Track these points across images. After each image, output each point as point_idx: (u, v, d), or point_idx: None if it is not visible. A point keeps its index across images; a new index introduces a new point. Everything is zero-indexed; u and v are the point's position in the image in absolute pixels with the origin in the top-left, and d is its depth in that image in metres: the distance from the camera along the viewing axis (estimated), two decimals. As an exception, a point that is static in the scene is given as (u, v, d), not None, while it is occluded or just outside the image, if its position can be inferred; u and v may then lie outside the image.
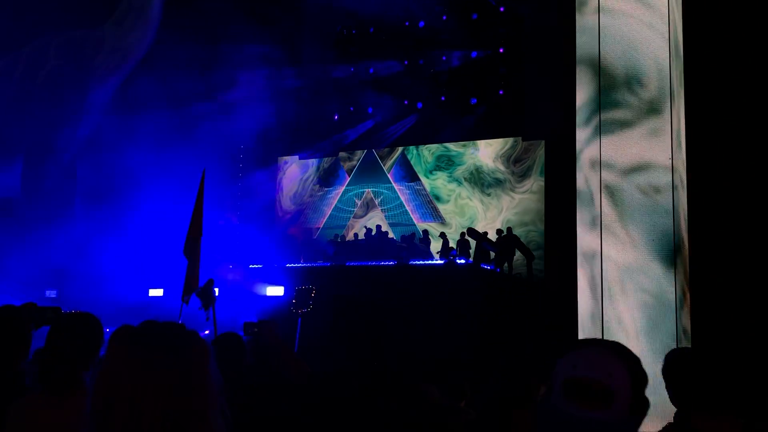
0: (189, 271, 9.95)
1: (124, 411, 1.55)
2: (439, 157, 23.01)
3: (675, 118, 4.31)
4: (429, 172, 23.06)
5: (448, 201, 22.61)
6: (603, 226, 4.34)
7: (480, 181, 22.20)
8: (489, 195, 22.00)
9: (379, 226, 21.20)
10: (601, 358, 1.69)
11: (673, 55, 4.48)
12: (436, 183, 22.86)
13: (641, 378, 1.70)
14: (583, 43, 4.85)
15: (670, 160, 4.14)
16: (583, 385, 1.66)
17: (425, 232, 20.82)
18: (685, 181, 4.46)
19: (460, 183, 22.49)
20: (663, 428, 2.61)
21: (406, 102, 23.19)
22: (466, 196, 22.35)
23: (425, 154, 23.26)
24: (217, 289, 15.80)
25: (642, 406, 1.68)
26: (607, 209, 4.42)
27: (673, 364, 2.72)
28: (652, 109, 4.37)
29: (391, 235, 21.03)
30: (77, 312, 2.91)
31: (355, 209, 24.05)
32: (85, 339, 2.73)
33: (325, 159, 24.61)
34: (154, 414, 1.55)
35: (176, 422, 1.56)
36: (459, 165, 22.61)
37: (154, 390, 1.56)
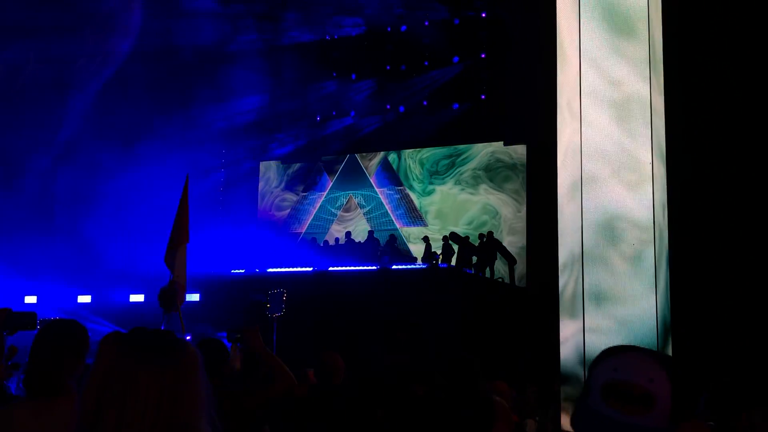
0: (176, 278, 9.84)
1: (114, 418, 1.53)
2: (436, 163, 23.03)
3: (656, 119, 4.35)
4: (424, 191, 22.99)
5: (450, 209, 22.48)
6: (584, 228, 4.37)
7: (495, 173, 22.08)
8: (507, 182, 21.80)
9: (371, 232, 21.20)
10: (643, 363, 1.68)
11: (653, 61, 4.52)
12: (436, 191, 22.80)
13: (683, 386, 1.69)
14: (565, 47, 4.88)
15: (651, 164, 4.17)
16: (623, 388, 1.64)
17: (392, 236, 20.79)
18: (665, 183, 4.50)
19: (469, 185, 22.35)
20: None
21: (388, 106, 23.21)
22: (477, 194, 22.21)
23: (410, 164, 23.29)
24: (197, 295, 15.74)
25: (682, 415, 1.67)
26: (589, 209, 4.44)
27: None
28: (632, 110, 4.41)
29: (374, 240, 21.01)
30: (61, 319, 2.89)
31: (338, 214, 24.03)
32: (69, 344, 2.71)
33: (308, 164, 24.57)
34: (144, 421, 1.54)
35: (166, 430, 1.55)
36: (461, 165, 22.55)
37: (144, 397, 1.55)
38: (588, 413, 1.68)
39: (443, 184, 22.74)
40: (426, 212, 22.80)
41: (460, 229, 20.82)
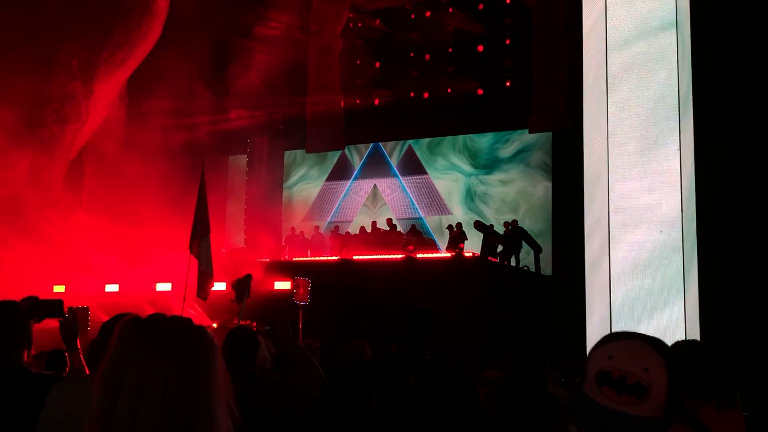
0: (202, 267, 9.98)
1: (131, 398, 1.58)
2: (460, 150, 22.96)
3: (683, 105, 4.29)
4: (448, 179, 22.91)
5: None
6: (611, 217, 4.32)
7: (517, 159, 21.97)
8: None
9: (389, 219, 21.19)
10: (639, 352, 1.66)
11: (681, 48, 4.44)
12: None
13: (680, 377, 1.67)
14: (590, 34, 4.81)
15: (678, 150, 4.11)
16: (617, 377, 1.63)
17: (413, 226, 20.76)
18: (693, 172, 4.43)
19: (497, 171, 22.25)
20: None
21: (412, 94, 23.12)
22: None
23: (434, 151, 23.22)
24: (223, 284, 15.81)
25: (677, 406, 1.65)
26: (615, 201, 4.39)
27: (679, 356, 2.69)
28: (659, 99, 4.35)
29: (399, 228, 21.00)
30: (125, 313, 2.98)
31: (363, 203, 24.04)
32: None
33: (332, 152, 24.56)
34: (162, 403, 1.58)
35: (181, 413, 1.59)
36: (487, 152, 22.46)
37: (161, 380, 1.59)
38: (582, 399, 1.67)
39: (467, 170, 22.66)
40: (450, 200, 22.76)
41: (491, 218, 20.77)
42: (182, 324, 1.71)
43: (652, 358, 1.65)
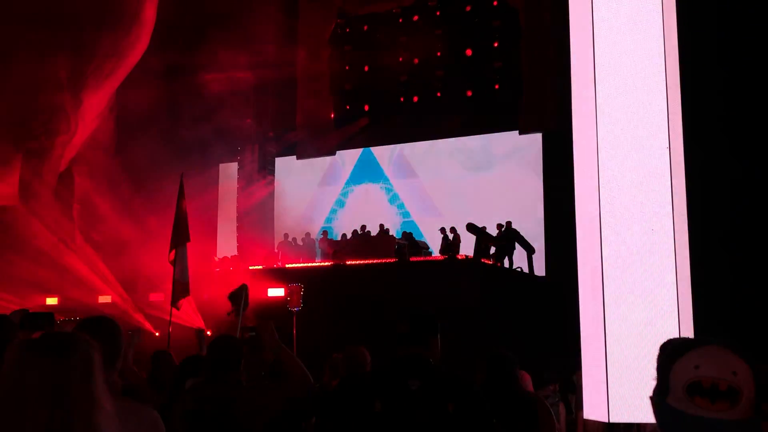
0: (176, 276, 10.07)
1: (9, 413, 1.71)
2: (450, 153, 22.95)
3: (671, 102, 4.28)
4: (439, 182, 22.87)
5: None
6: (602, 216, 4.32)
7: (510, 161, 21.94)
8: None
9: (381, 224, 21.17)
10: (724, 356, 1.66)
11: (668, 46, 4.46)
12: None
13: (762, 376, 1.67)
14: (577, 34, 4.83)
15: (668, 148, 4.11)
16: (709, 385, 1.63)
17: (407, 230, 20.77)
18: (682, 166, 4.43)
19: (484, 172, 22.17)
20: None
21: (402, 99, 23.14)
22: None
23: (424, 155, 23.22)
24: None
25: (762, 406, 1.65)
26: (606, 201, 4.39)
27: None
28: (647, 99, 4.35)
29: (391, 232, 20.98)
30: (97, 316, 2.94)
31: (355, 208, 24.01)
32: (106, 341, 2.70)
33: (323, 158, 24.55)
34: (36, 416, 1.70)
35: (61, 424, 1.71)
36: (476, 154, 22.42)
37: (37, 393, 1.72)
38: (671, 413, 1.66)
39: (459, 173, 22.66)
40: (442, 203, 22.74)
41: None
42: (60, 339, 1.84)
43: (736, 361, 1.65)
